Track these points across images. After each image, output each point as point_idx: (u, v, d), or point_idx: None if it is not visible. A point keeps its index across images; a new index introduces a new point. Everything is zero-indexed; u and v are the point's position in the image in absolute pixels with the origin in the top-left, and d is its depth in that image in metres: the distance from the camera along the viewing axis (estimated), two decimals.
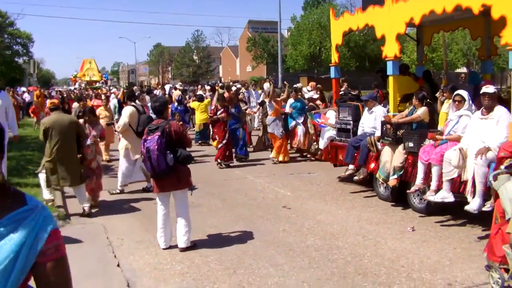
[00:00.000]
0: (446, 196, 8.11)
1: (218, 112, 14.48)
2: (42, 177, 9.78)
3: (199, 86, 28.75)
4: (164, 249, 7.43)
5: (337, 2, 66.43)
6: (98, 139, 10.29)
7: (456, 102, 8.59)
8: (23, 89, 38.58)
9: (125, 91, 20.15)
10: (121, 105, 15.02)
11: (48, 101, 12.35)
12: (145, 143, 7.22)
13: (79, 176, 9.39)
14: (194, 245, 7.48)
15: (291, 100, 15.51)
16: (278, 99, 15.22)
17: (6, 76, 53.19)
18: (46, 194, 9.78)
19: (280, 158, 14.67)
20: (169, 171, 7.16)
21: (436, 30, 12.36)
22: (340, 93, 13.99)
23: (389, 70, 10.02)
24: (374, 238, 7.79)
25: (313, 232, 8.21)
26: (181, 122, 13.47)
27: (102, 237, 8.22)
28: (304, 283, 6.18)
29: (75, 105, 19.19)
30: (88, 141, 9.87)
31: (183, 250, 7.29)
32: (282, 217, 9.12)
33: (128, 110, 11.25)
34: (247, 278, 6.37)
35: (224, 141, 14.37)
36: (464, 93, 8.65)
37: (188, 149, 7.60)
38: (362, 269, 6.57)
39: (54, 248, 2.10)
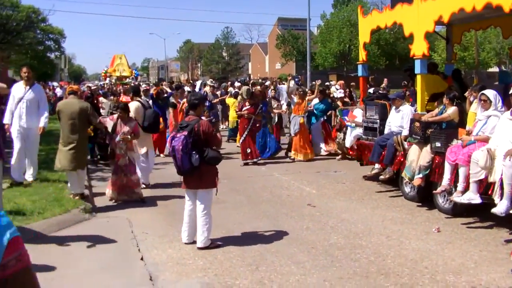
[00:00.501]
0: (473, 197, 8.00)
1: (244, 108, 14.43)
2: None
3: (229, 83, 28.72)
4: (185, 243, 7.46)
5: (368, 0, 65.81)
6: (129, 136, 9.91)
7: (482, 102, 8.47)
8: (55, 83, 38.96)
9: (157, 87, 20.12)
10: (154, 101, 15.03)
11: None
12: (172, 141, 7.18)
13: (84, 161, 9.97)
14: (217, 245, 7.41)
15: (316, 101, 15.47)
16: (307, 97, 15.15)
17: (38, 71, 53.84)
18: (72, 188, 9.88)
19: (299, 157, 14.69)
20: (193, 170, 7.14)
21: (466, 29, 12.21)
22: (370, 89, 13.89)
23: (417, 68, 9.92)
24: (398, 238, 7.72)
25: (337, 230, 8.17)
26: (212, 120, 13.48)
27: (126, 230, 8.29)
28: (326, 282, 6.14)
29: (101, 99, 19.24)
30: (118, 137, 9.76)
31: (201, 249, 7.24)
32: (306, 215, 9.10)
33: (133, 105, 11.34)
34: (269, 275, 6.36)
35: (242, 139, 14.40)
36: (489, 92, 8.51)
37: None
38: (385, 269, 6.51)
39: (14, 260, 1.90)
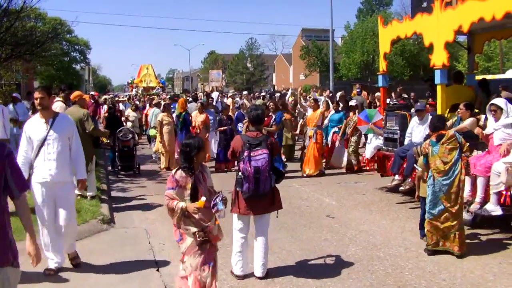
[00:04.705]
0: (493, 209, 7.90)
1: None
2: None
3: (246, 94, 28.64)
4: (239, 277, 6.64)
5: (392, 10, 65.47)
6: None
7: (492, 112, 8.40)
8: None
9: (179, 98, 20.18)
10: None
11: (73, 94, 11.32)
12: (251, 161, 6.41)
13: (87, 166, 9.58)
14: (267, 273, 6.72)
15: (332, 112, 15.42)
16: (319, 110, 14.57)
17: (64, 82, 54.51)
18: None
19: (309, 172, 14.23)
20: (269, 192, 6.57)
21: (487, 38, 12.09)
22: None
23: (437, 79, 9.83)
24: (416, 250, 7.65)
25: (355, 242, 8.13)
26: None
27: (144, 241, 8.33)
28: None
29: (128, 113, 19.39)
30: (219, 206, 5.36)
31: (262, 278, 6.61)
32: (325, 226, 9.05)
33: (57, 105, 11.02)
34: (284, 287, 6.33)
35: None
36: (499, 101, 8.50)
37: None
38: (402, 281, 6.45)
39: None
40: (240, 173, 6.50)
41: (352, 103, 15.37)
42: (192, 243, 5.34)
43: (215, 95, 22.74)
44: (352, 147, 14.50)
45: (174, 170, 5.48)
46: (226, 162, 14.99)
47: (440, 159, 7.35)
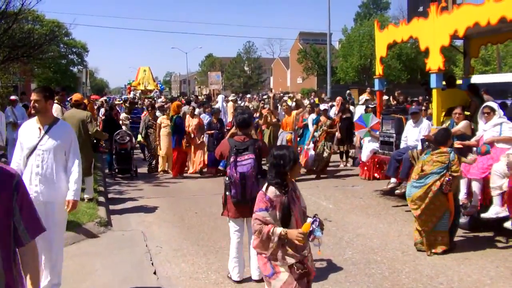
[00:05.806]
0: (499, 211, 7.89)
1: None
2: None
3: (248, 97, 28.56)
4: (237, 282, 6.58)
5: (389, 14, 65.53)
6: None
7: (485, 114, 8.56)
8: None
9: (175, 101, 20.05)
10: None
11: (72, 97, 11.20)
12: (237, 167, 6.34)
13: (88, 169, 10.13)
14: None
15: (313, 116, 15.38)
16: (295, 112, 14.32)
17: (61, 84, 54.60)
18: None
19: None
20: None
21: (483, 42, 12.13)
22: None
23: (433, 82, 9.86)
24: (413, 253, 7.66)
25: (352, 245, 8.13)
26: None
27: (141, 244, 8.32)
28: None
29: (122, 116, 19.22)
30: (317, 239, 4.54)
31: (259, 281, 6.49)
32: None
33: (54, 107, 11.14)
34: None
35: None
36: (493, 104, 8.69)
37: None
38: (399, 284, 6.46)
39: None
40: (227, 178, 6.47)
41: (323, 107, 15.36)
42: (289, 278, 4.44)
43: (220, 98, 22.52)
44: (326, 152, 14.30)
45: (264, 187, 4.62)
46: (217, 166, 14.92)
47: (422, 165, 7.69)
